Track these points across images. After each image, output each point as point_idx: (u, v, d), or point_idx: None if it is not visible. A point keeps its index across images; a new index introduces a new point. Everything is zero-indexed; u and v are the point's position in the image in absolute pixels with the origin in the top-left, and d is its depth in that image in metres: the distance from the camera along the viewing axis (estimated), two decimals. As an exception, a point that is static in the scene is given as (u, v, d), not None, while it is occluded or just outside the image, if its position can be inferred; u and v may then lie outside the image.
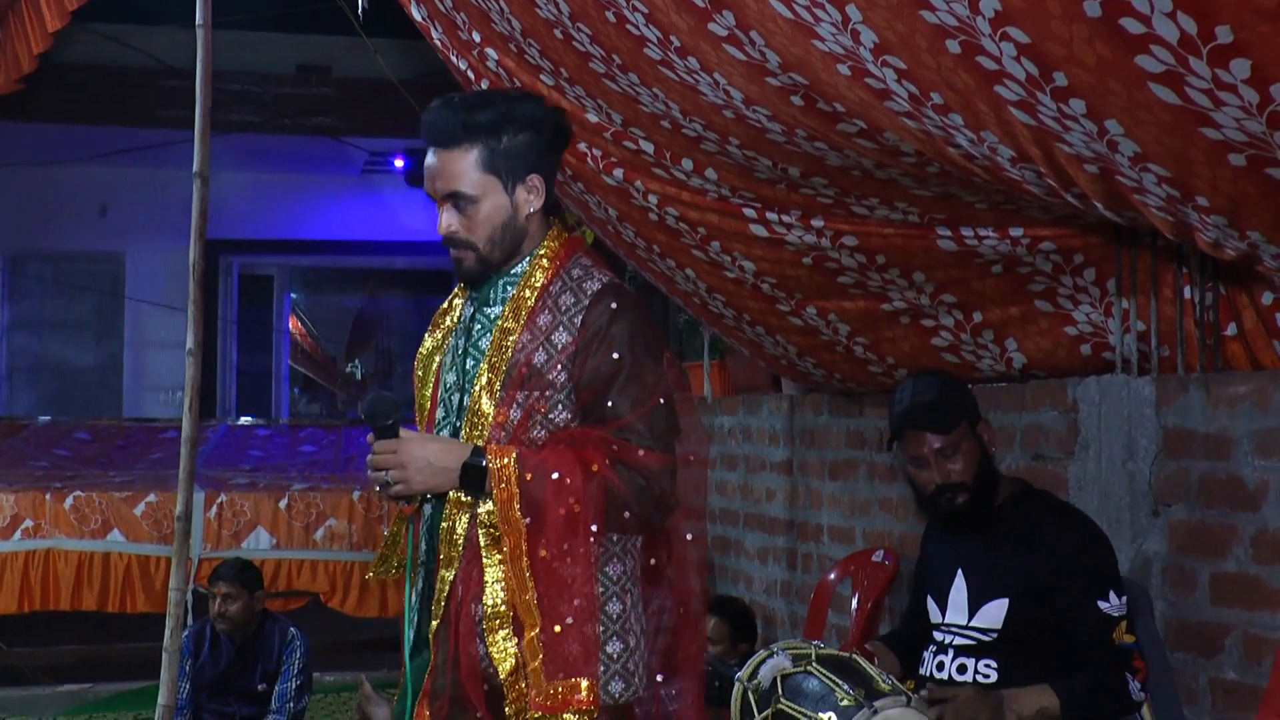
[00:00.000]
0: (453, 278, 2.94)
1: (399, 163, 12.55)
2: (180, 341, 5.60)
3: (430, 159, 2.80)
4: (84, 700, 7.78)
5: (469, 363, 2.81)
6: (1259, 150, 2.42)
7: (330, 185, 13.92)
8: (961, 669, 3.45)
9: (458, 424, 2.79)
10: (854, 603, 4.96)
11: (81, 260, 13.89)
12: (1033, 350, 4.37)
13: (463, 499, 2.69)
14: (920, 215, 3.88)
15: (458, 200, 2.77)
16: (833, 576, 5.20)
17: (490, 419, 2.71)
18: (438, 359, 2.90)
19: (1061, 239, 3.89)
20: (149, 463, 9.40)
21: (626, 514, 2.65)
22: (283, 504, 8.03)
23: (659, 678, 2.77)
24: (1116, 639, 3.30)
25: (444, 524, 2.73)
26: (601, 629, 2.66)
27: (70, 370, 14.08)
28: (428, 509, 2.82)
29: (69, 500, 7.77)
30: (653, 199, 4.26)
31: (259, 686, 5.86)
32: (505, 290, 2.83)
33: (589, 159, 4.28)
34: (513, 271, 2.83)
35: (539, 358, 2.71)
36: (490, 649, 2.64)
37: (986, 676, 3.40)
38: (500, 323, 2.78)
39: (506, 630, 2.63)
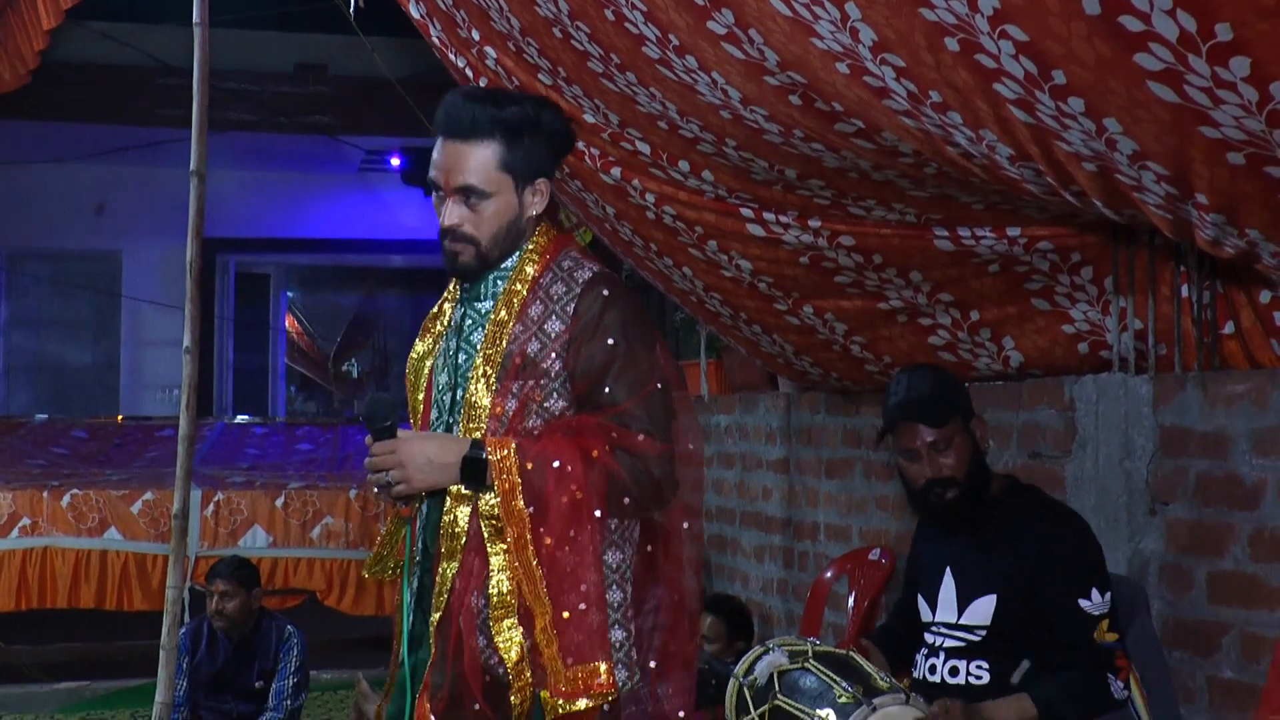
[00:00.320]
0: (448, 278, 2.94)
1: (395, 161, 12.54)
2: (177, 340, 5.60)
3: (445, 149, 2.76)
4: (81, 698, 7.78)
5: (461, 358, 2.81)
6: (1258, 148, 2.42)
7: (327, 184, 13.93)
8: (954, 671, 3.44)
9: (451, 421, 2.79)
10: (850, 601, 4.97)
11: (79, 259, 13.90)
12: (1030, 349, 4.37)
13: (463, 492, 2.69)
14: (917, 216, 3.88)
15: (469, 194, 2.75)
16: (829, 575, 5.21)
17: (486, 411, 2.71)
18: (429, 362, 2.90)
19: (1059, 238, 3.89)
20: (146, 461, 9.39)
21: (627, 499, 2.65)
22: (279, 502, 8.03)
23: (651, 665, 2.77)
24: (1098, 638, 3.29)
25: (445, 517, 2.73)
26: (605, 617, 2.66)
27: (67, 368, 14.08)
28: (424, 507, 2.82)
29: (66, 498, 7.78)
30: (650, 197, 4.26)
31: (256, 684, 5.85)
32: (495, 285, 2.83)
33: (586, 157, 4.28)
34: (503, 267, 2.83)
35: (533, 347, 2.71)
36: (495, 638, 2.64)
37: (979, 678, 3.40)
38: (492, 316, 2.78)
39: (512, 619, 2.63)
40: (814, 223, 4.04)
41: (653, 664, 2.76)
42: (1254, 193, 2.61)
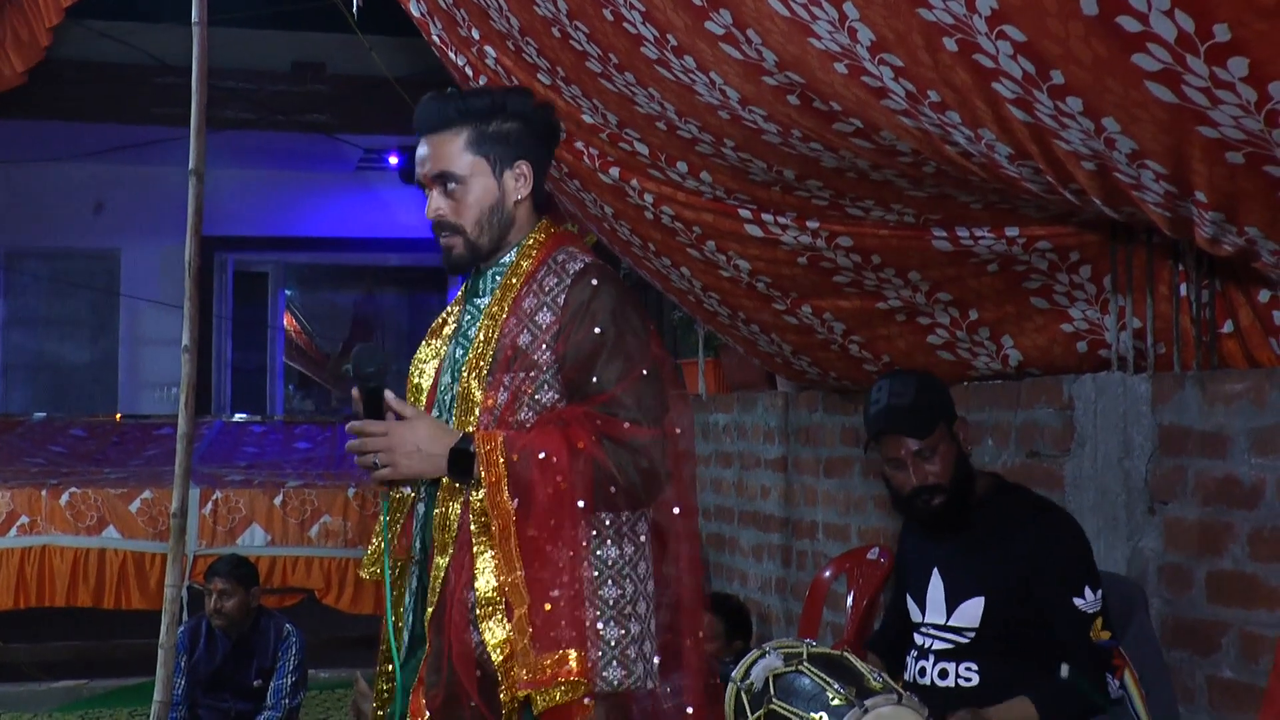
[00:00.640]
0: (446, 276, 2.95)
1: (393, 160, 12.53)
2: (175, 338, 5.60)
3: (421, 147, 2.85)
4: (80, 696, 7.78)
5: (459, 353, 2.82)
6: (1257, 148, 2.42)
7: (325, 182, 13.91)
8: (943, 674, 3.44)
9: (447, 416, 2.79)
10: (849, 600, 4.96)
11: (77, 257, 13.88)
12: (1029, 348, 4.37)
13: (455, 486, 2.69)
14: (916, 216, 3.88)
15: (446, 181, 2.80)
16: (828, 574, 5.20)
17: (479, 403, 2.71)
18: (432, 364, 2.91)
19: (1057, 238, 3.89)
20: (144, 459, 9.38)
21: (613, 489, 2.64)
22: (277, 500, 8.03)
23: (657, 662, 2.76)
24: (1094, 637, 3.29)
25: (437, 510, 2.73)
26: (596, 612, 2.65)
27: (65, 367, 14.06)
28: (421, 507, 2.82)
29: (64, 497, 7.77)
30: (648, 198, 4.26)
31: (254, 682, 5.86)
32: (494, 281, 2.85)
33: (585, 157, 4.28)
34: (501, 262, 2.86)
35: (524, 339, 2.72)
36: (484, 635, 2.63)
37: (968, 680, 3.40)
38: (488, 308, 2.80)
39: (500, 616, 2.62)
40: (812, 223, 4.04)
41: (658, 660, 2.75)
42: (1253, 191, 2.61)
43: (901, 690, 3.07)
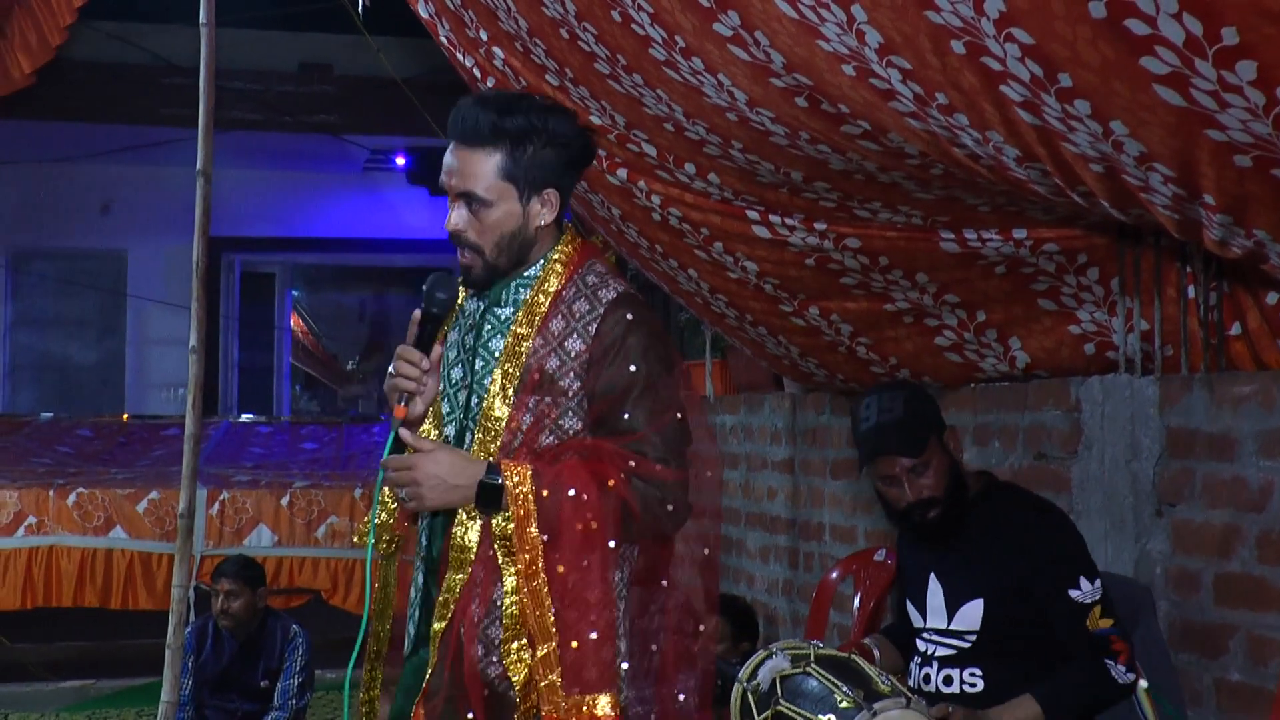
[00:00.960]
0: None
1: (400, 161, 12.56)
2: (182, 339, 5.61)
3: (452, 153, 2.76)
4: (87, 696, 7.79)
5: (478, 363, 2.79)
6: (1265, 151, 2.42)
7: (331, 183, 13.93)
8: (947, 680, 3.44)
9: (464, 420, 2.78)
10: (856, 602, 4.96)
11: (84, 258, 13.90)
12: (1036, 350, 4.37)
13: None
14: (923, 218, 3.88)
15: (470, 201, 2.74)
16: (834, 575, 5.19)
17: (502, 423, 2.69)
18: (439, 350, 2.89)
19: (1065, 240, 3.89)
20: (151, 460, 9.40)
21: (640, 527, 2.64)
22: (284, 501, 8.04)
23: (654, 666, 2.76)
24: (1090, 626, 3.29)
25: (455, 529, 2.71)
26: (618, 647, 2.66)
27: (73, 367, 14.09)
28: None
29: (72, 497, 7.79)
30: (656, 199, 4.26)
31: (261, 683, 5.86)
32: (517, 292, 2.80)
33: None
34: (526, 274, 2.80)
35: (551, 363, 2.70)
36: (504, 659, 2.63)
37: (973, 685, 3.40)
38: (514, 327, 2.75)
39: (523, 640, 2.62)
40: (820, 225, 4.04)
41: (656, 663, 2.75)
42: (1261, 194, 2.60)
43: (910, 693, 3.07)
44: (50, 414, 11.67)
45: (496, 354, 2.76)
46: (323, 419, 13.13)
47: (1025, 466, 4.38)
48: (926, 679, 3.47)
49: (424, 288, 2.77)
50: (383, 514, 2.91)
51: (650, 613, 2.77)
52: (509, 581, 2.63)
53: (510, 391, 2.70)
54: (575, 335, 2.71)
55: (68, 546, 7.72)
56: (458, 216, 2.76)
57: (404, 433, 2.68)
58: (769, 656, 3.16)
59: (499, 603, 2.64)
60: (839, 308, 4.51)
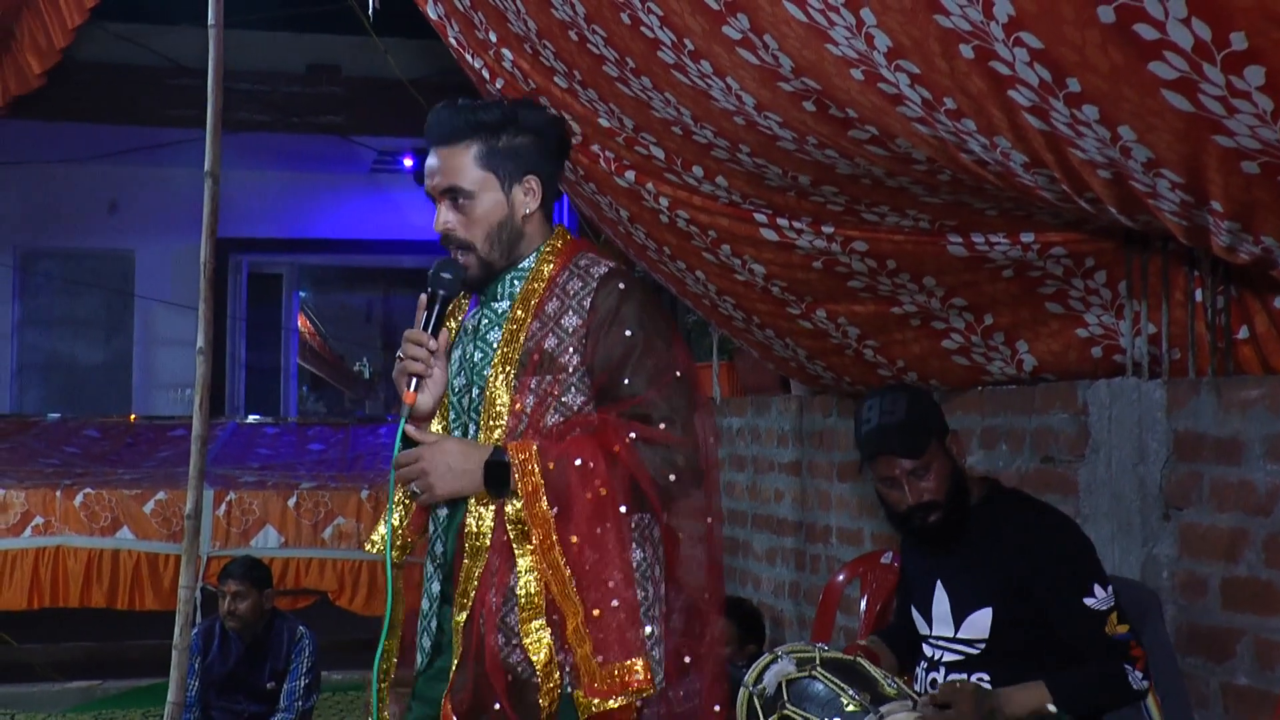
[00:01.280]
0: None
1: (408, 162, 12.54)
2: (189, 339, 5.62)
3: (430, 158, 2.86)
4: (93, 696, 7.80)
5: (477, 356, 2.81)
6: (1273, 158, 2.42)
7: (339, 184, 13.93)
8: None
9: (469, 420, 2.79)
10: (862, 604, 4.96)
11: (91, 258, 13.91)
12: (1043, 353, 4.37)
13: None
14: (931, 222, 3.88)
15: (455, 195, 2.81)
16: (841, 578, 5.20)
17: (506, 408, 2.71)
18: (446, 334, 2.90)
19: (1072, 244, 3.89)
20: (158, 460, 9.40)
21: (651, 491, 2.65)
22: (291, 502, 8.04)
23: (673, 664, 2.76)
24: (1109, 632, 3.28)
25: (469, 518, 2.72)
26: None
27: (80, 368, 14.09)
28: (443, 511, 2.81)
29: (79, 497, 7.79)
30: (664, 202, 4.26)
31: (268, 684, 5.87)
32: (512, 285, 2.84)
33: (601, 160, 4.28)
34: (520, 267, 2.85)
35: (550, 342, 2.72)
36: (524, 639, 2.64)
37: None
38: (510, 314, 2.79)
39: (540, 620, 2.63)
40: (827, 228, 4.04)
41: (675, 663, 2.76)
42: (1269, 200, 2.60)
43: (916, 696, 3.07)
44: (57, 414, 11.67)
45: (494, 344, 2.78)
46: (330, 420, 13.14)
47: (1032, 470, 4.38)
48: (934, 684, 3.46)
49: (429, 272, 2.80)
50: (395, 518, 2.92)
51: (669, 612, 2.78)
52: (523, 562, 2.63)
53: (511, 375, 2.72)
54: (571, 312, 2.75)
55: (74, 547, 7.72)
56: (445, 215, 2.84)
57: (410, 428, 2.70)
58: (774, 660, 3.17)
59: (515, 587, 2.65)
60: (846, 310, 4.51)
